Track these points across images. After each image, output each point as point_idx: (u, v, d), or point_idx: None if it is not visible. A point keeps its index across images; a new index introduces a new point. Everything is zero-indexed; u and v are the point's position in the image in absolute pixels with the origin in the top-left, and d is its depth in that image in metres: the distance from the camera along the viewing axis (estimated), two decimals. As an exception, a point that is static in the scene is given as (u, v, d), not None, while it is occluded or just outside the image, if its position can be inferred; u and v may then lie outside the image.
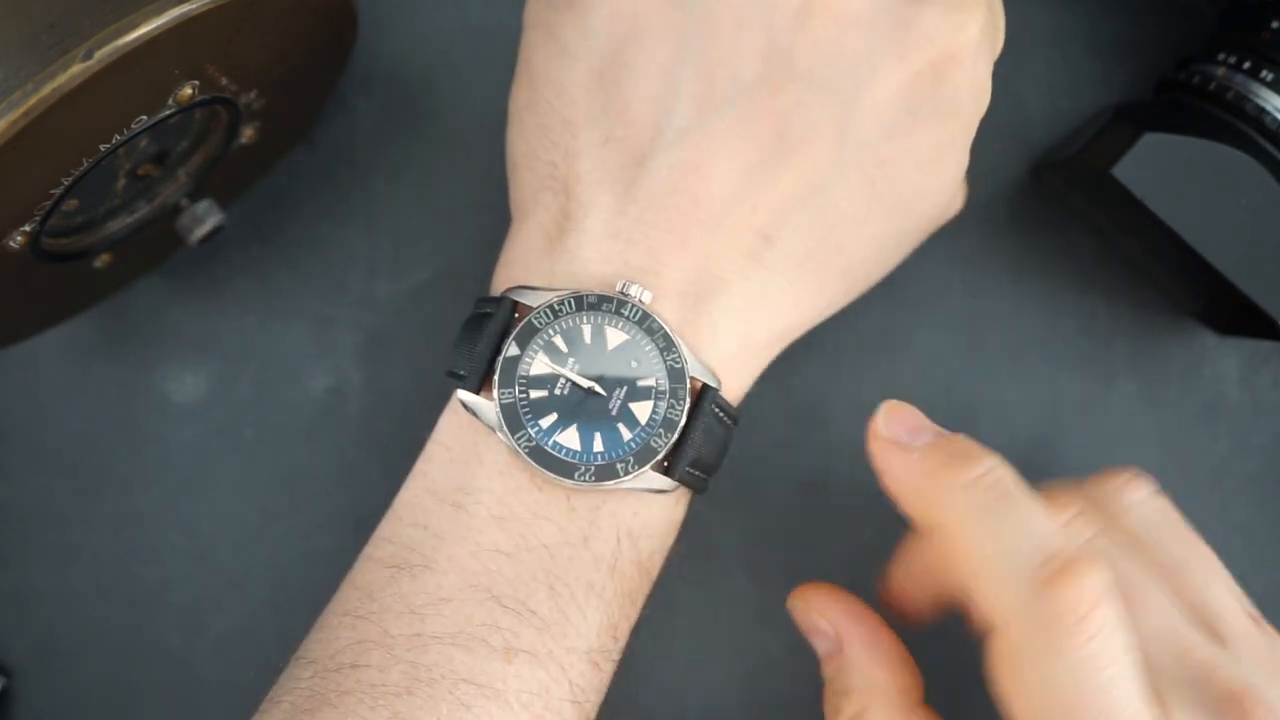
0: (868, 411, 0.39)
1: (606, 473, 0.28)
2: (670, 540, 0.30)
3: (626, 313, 0.28)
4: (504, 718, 0.27)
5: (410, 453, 0.40)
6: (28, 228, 0.30)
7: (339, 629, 0.29)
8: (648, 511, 0.29)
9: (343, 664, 0.28)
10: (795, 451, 0.39)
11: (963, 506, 0.28)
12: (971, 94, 0.30)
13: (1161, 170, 0.33)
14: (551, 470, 0.28)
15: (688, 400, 0.28)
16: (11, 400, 0.40)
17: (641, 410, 0.28)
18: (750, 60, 0.28)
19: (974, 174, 0.39)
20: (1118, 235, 0.38)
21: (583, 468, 0.28)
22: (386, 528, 0.30)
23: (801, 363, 0.39)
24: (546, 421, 0.28)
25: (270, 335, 0.40)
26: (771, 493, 0.39)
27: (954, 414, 0.39)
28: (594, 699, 0.29)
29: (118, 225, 0.34)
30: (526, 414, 0.28)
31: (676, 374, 0.28)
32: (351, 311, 0.40)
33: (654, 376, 0.28)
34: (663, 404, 0.28)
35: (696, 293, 0.29)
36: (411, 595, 0.28)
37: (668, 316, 0.29)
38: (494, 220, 0.40)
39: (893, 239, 0.32)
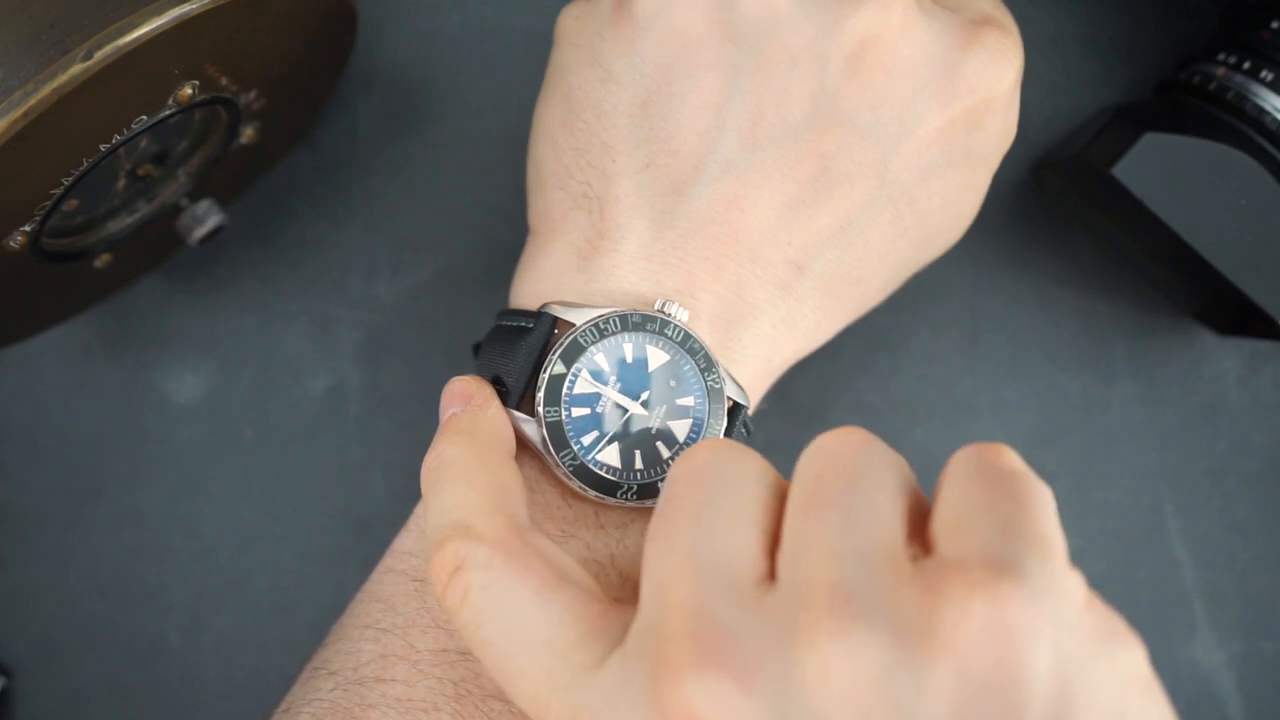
0: (868, 411, 0.39)
1: (648, 491, 0.28)
2: None
3: (670, 333, 0.28)
4: None
5: (410, 453, 0.40)
6: (28, 228, 0.30)
7: (361, 641, 0.28)
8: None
9: (366, 677, 0.28)
10: (795, 451, 0.39)
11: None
12: (1000, 139, 0.31)
13: (1161, 170, 0.33)
14: (595, 488, 0.28)
15: (724, 420, 0.29)
16: (11, 400, 0.40)
17: (680, 428, 0.29)
18: (800, 100, 0.29)
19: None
20: (1118, 235, 0.38)
21: (625, 486, 0.28)
22: (408, 540, 0.30)
23: (801, 363, 0.39)
24: (588, 439, 0.28)
25: (270, 335, 0.40)
26: (771, 493, 0.39)
27: (954, 414, 0.39)
28: None
29: (118, 225, 0.34)
30: (570, 432, 0.28)
31: (716, 394, 0.29)
32: (351, 311, 0.40)
33: (693, 396, 0.29)
34: (701, 423, 0.29)
35: (728, 318, 0.29)
36: (437, 610, 0.28)
37: (703, 338, 0.29)
38: (494, 220, 0.40)
39: (907, 268, 0.33)
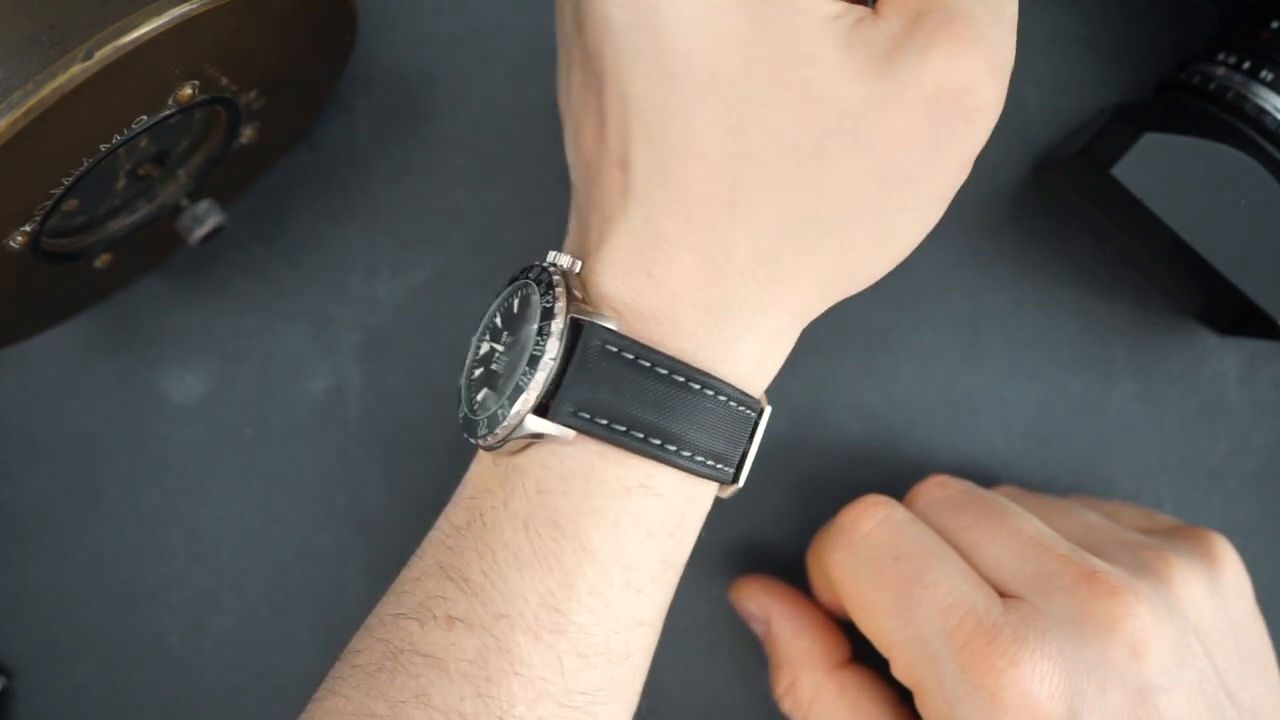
0: (868, 411, 0.39)
1: (493, 421, 0.28)
2: (607, 504, 0.29)
3: (531, 274, 0.29)
4: (444, 686, 0.27)
5: (410, 453, 0.40)
6: (28, 228, 0.30)
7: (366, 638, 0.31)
8: (559, 465, 0.28)
9: (347, 654, 0.30)
10: (795, 451, 0.39)
11: None
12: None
13: (1161, 170, 0.33)
14: (467, 433, 0.29)
15: (554, 336, 0.28)
16: (11, 400, 0.40)
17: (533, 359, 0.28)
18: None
19: (974, 174, 0.39)
20: (1118, 235, 0.38)
21: (479, 421, 0.29)
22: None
23: (801, 363, 0.39)
24: (480, 395, 0.29)
25: (270, 335, 0.40)
26: (771, 493, 0.39)
27: (954, 414, 0.39)
28: (553, 679, 0.28)
29: (118, 225, 0.34)
30: (468, 390, 0.30)
31: (546, 313, 0.28)
32: (351, 311, 0.40)
33: (535, 322, 0.28)
34: (534, 344, 0.28)
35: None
36: (402, 580, 0.30)
37: (604, 285, 0.28)
38: (494, 220, 0.40)
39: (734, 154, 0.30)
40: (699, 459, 0.29)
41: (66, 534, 0.40)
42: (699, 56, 0.27)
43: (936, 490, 0.35)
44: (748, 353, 0.29)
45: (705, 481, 0.30)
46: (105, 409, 0.40)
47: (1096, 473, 0.39)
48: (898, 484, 0.37)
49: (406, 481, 0.40)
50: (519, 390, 0.28)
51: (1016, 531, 0.32)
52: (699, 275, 0.28)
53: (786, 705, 0.36)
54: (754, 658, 0.39)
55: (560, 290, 0.28)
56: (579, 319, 0.28)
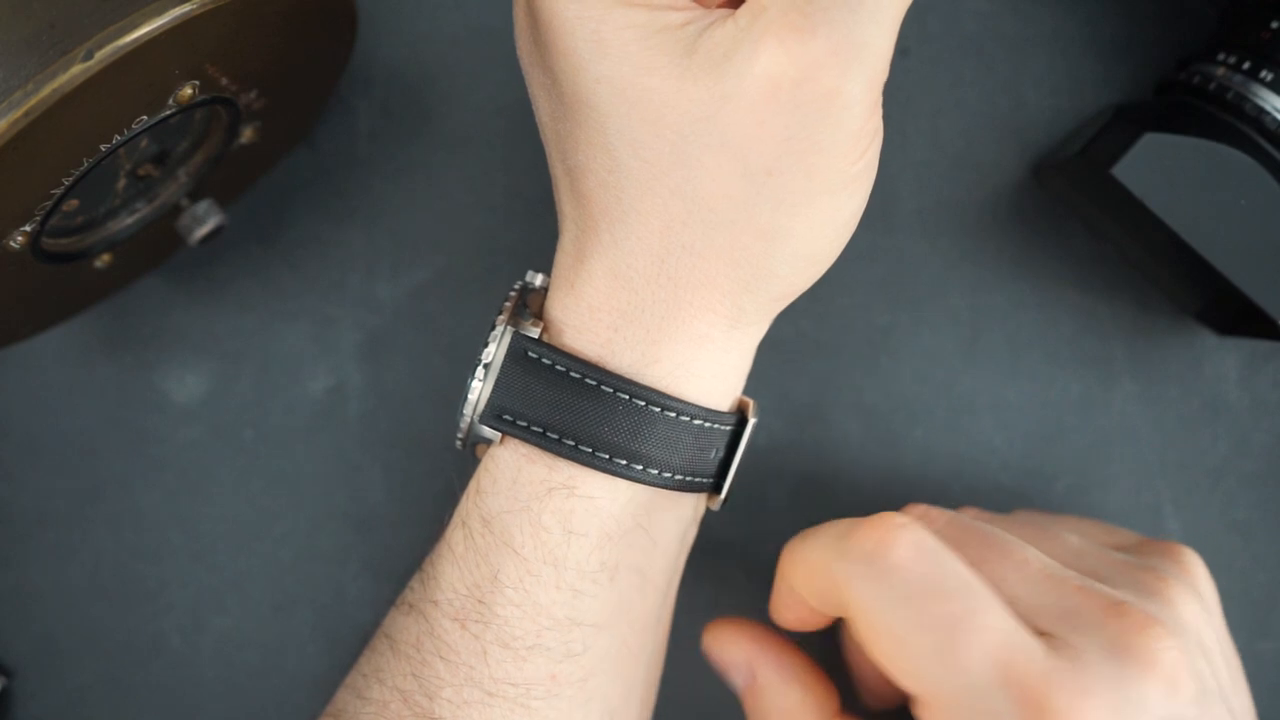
0: (868, 411, 0.39)
1: (458, 425, 0.31)
2: (528, 504, 0.30)
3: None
4: (394, 665, 0.30)
5: (410, 453, 0.40)
6: (28, 228, 0.30)
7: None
8: (494, 467, 0.30)
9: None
10: (795, 451, 0.39)
11: None
12: None
13: (1161, 170, 0.33)
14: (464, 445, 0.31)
15: (492, 344, 0.30)
16: (11, 400, 0.40)
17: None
18: None
19: (974, 174, 0.39)
20: (1118, 235, 0.38)
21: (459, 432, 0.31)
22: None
23: (801, 363, 0.39)
24: None
25: (270, 335, 0.40)
26: (771, 492, 0.39)
27: (954, 414, 0.39)
28: (478, 666, 0.30)
29: (118, 225, 0.34)
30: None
31: (494, 324, 0.30)
32: (351, 311, 0.40)
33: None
34: (482, 352, 0.30)
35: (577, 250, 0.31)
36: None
37: (551, 299, 0.30)
38: (494, 220, 0.40)
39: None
40: (619, 461, 0.29)
41: (66, 534, 0.40)
42: (565, 78, 0.29)
43: (925, 523, 0.33)
44: (670, 357, 0.30)
45: (657, 489, 0.30)
46: (105, 409, 0.40)
47: (1096, 473, 0.39)
48: (897, 484, 0.37)
49: (406, 481, 0.40)
50: (466, 395, 0.30)
51: (1024, 564, 0.31)
52: (607, 284, 0.30)
53: None
54: (754, 658, 0.39)
55: (508, 304, 0.30)
56: (516, 329, 0.30)
